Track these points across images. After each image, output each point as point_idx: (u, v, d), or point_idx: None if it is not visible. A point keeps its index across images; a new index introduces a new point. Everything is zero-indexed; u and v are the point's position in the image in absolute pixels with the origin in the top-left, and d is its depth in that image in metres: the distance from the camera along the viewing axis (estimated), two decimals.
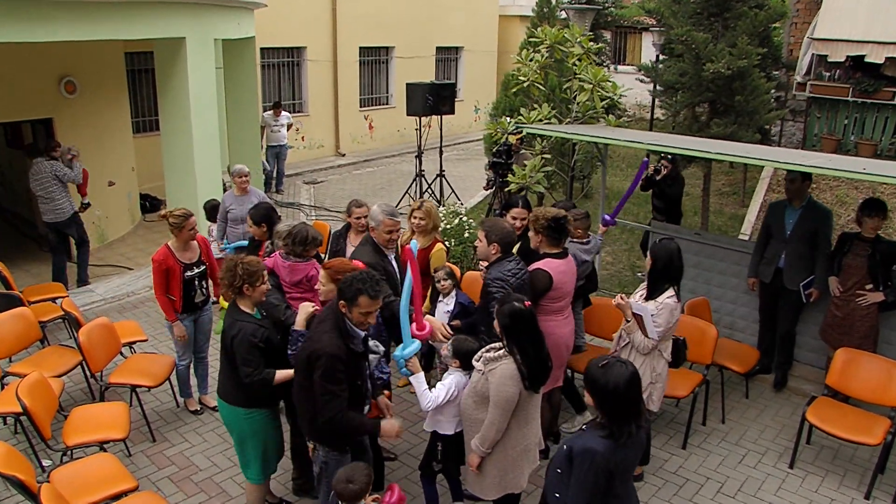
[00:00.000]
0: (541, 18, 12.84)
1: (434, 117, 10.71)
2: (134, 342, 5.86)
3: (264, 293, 3.94)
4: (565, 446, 2.97)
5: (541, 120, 6.93)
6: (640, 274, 8.36)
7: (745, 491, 4.71)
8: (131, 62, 10.80)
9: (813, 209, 5.60)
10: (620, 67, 19.70)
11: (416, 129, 10.87)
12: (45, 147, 7.60)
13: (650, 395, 4.35)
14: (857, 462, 5.01)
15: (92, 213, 8.30)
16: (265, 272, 3.95)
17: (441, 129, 11.24)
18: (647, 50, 19.25)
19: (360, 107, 16.31)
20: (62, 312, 5.94)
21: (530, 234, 4.55)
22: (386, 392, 4.17)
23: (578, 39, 7.22)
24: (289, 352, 3.84)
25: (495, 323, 3.61)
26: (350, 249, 5.27)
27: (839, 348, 5.12)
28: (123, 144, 9.82)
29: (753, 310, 6.19)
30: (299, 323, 3.85)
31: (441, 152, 11.27)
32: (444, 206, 8.87)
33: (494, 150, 7.74)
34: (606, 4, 17.15)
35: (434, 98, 10.20)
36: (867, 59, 9.43)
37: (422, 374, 3.78)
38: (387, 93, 17.08)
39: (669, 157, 7.68)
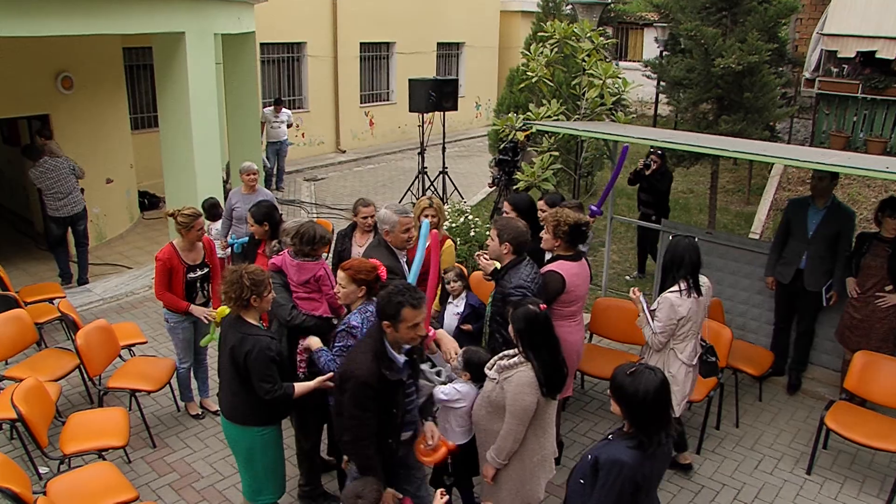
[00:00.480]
0: (546, 13, 12.66)
1: (436, 114, 10.58)
2: (133, 345, 5.74)
3: (270, 302, 3.77)
4: (590, 455, 2.86)
5: (550, 116, 6.79)
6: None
7: (762, 498, 4.59)
8: (129, 57, 10.65)
9: (837, 210, 5.45)
10: (622, 63, 19.56)
11: (419, 126, 10.73)
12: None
13: None
14: (876, 468, 4.90)
15: (90, 211, 8.18)
16: (270, 279, 3.80)
17: (444, 126, 11.12)
18: (649, 46, 19.12)
19: (361, 103, 16.18)
20: (59, 314, 5.79)
21: (545, 234, 4.36)
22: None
23: (588, 34, 7.07)
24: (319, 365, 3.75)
25: (510, 327, 3.48)
26: (356, 249, 5.12)
27: (857, 351, 5.00)
28: (122, 141, 9.69)
29: (765, 310, 6.06)
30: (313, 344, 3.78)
31: (444, 149, 11.14)
32: (448, 203, 8.73)
33: (501, 147, 7.58)
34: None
35: (437, 94, 10.07)
36: (878, 55, 9.31)
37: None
38: (387, 89, 16.95)
39: (659, 151, 7.56)
